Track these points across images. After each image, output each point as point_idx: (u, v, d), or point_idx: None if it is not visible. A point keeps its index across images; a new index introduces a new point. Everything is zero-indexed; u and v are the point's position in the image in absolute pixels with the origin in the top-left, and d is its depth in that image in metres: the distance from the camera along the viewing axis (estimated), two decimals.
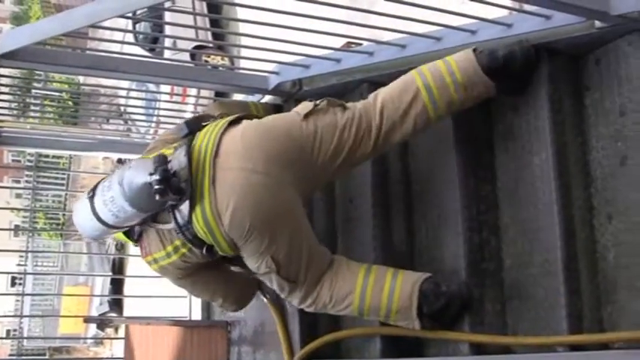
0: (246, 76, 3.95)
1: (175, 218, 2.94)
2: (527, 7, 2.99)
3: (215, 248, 3.00)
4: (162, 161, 2.83)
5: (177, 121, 4.78)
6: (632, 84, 2.99)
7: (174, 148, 3.03)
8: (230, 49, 8.24)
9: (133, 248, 3.32)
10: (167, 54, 7.44)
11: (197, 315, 5.00)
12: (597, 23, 2.97)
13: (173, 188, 2.79)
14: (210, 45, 8.15)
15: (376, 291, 3.08)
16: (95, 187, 2.95)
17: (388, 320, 3.17)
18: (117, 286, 17.05)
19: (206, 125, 3.10)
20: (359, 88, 3.65)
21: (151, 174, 2.76)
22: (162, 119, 5.12)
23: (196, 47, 7.49)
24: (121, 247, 16.38)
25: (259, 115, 3.37)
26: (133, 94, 5.52)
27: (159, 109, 5.48)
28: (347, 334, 3.50)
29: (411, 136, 3.19)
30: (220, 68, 6.50)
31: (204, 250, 3.01)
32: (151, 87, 6.09)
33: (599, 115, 3.14)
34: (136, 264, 7.02)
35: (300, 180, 3.00)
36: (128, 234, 3.20)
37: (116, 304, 16.09)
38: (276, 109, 3.88)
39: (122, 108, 6.44)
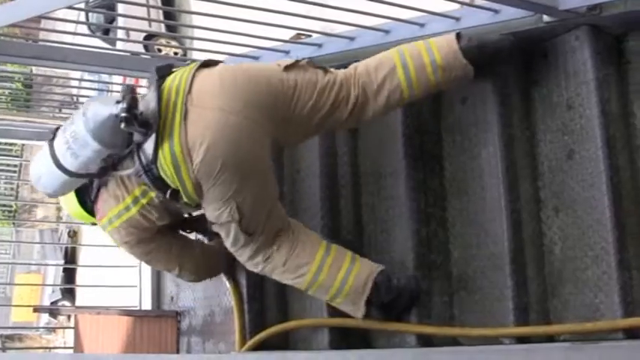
0: None
1: (139, 158, 2.82)
2: (477, 0, 2.99)
3: (180, 193, 2.88)
4: (131, 90, 2.74)
5: None
6: (578, 78, 3.03)
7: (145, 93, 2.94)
8: (182, 39, 8.17)
9: (85, 237, 3.24)
10: (120, 45, 7.41)
11: (147, 304, 4.94)
12: (545, 18, 3.00)
13: (140, 120, 2.69)
14: (162, 35, 8.06)
15: (333, 270, 3.06)
16: (55, 129, 2.86)
17: (332, 301, 3.15)
18: (69, 274, 16.88)
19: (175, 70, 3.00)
20: None
21: (117, 102, 2.67)
22: None
23: (147, 37, 7.45)
24: (73, 235, 16.22)
25: None
26: (86, 83, 5.44)
27: None
28: (295, 325, 3.50)
29: (383, 114, 3.13)
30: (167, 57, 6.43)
31: (167, 194, 2.90)
32: (104, 76, 6.00)
33: (546, 108, 3.17)
34: (88, 253, 6.98)
35: (274, 130, 2.92)
36: (82, 198, 3.15)
37: (69, 292, 15.91)
38: None
39: (74, 98, 6.35)
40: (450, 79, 3.03)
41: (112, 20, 9.56)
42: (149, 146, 2.78)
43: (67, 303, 14.91)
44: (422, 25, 3.21)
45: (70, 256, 16.90)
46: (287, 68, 2.95)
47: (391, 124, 3.36)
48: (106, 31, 10.01)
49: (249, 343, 3.50)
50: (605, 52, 3.03)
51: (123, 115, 2.63)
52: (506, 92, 3.19)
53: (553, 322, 3.04)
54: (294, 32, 3.93)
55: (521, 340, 2.98)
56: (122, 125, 2.64)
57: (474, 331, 3.09)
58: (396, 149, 3.36)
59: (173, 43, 8.43)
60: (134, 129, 2.70)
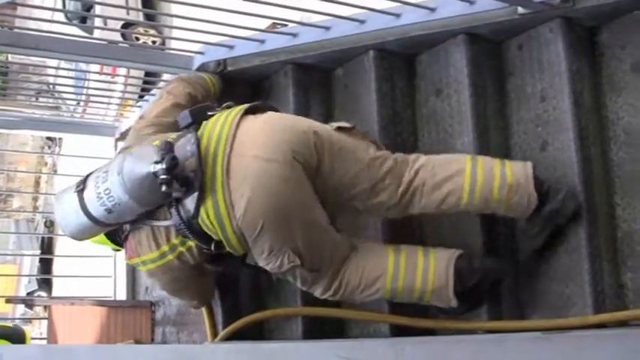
0: (170, 56, 3.91)
1: (179, 213, 2.72)
2: None
3: (222, 244, 2.79)
4: (170, 148, 2.65)
5: (106, 99, 4.74)
6: (552, 70, 3.04)
7: (175, 138, 2.83)
8: (160, 28, 8.13)
9: None
10: (97, 33, 7.38)
11: (122, 295, 4.93)
12: (520, 9, 3.01)
13: (180, 179, 2.62)
14: (140, 24, 8.03)
15: (409, 273, 2.87)
16: (85, 179, 2.77)
17: (422, 301, 2.94)
18: (46, 264, 16.79)
19: (212, 115, 2.89)
20: (283, 69, 3.63)
21: (156, 162, 2.58)
22: (91, 97, 5.04)
23: (125, 26, 7.42)
24: (50, 225, 16.14)
25: (215, 90, 3.46)
26: (62, 71, 5.40)
27: (87, 87, 5.39)
28: (269, 315, 3.49)
29: (432, 213, 2.94)
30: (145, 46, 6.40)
31: (212, 247, 2.81)
32: (82, 65, 5.97)
33: (521, 100, 3.19)
34: (65, 243, 6.93)
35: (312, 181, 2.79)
36: (111, 235, 3.04)
37: (45, 283, 15.84)
38: (226, 82, 3.71)
39: (51, 86, 6.31)
40: (511, 203, 2.82)
41: (89, 8, 9.51)
42: (190, 202, 2.70)
43: (43, 293, 14.83)
44: (397, 16, 3.21)
45: (47, 247, 16.82)
46: (339, 129, 2.88)
47: (366, 114, 3.36)
48: (83, 19, 9.95)
49: (223, 333, 3.48)
50: (578, 44, 3.06)
51: (163, 177, 2.56)
52: (480, 84, 3.21)
53: (526, 312, 3.07)
54: (269, 22, 3.91)
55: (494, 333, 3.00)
56: (163, 188, 2.57)
57: (447, 323, 3.11)
58: None
59: (151, 31, 8.41)
60: (174, 190, 2.63)
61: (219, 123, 2.78)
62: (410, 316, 3.17)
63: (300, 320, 3.43)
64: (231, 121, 2.76)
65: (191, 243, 2.85)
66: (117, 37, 7.71)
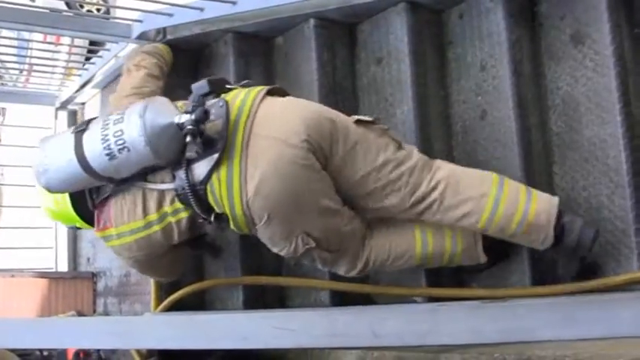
0: (109, 24, 3.83)
1: (187, 176, 2.59)
2: None
3: (225, 218, 2.68)
4: (202, 102, 2.59)
5: (49, 69, 4.66)
6: (492, 39, 3.05)
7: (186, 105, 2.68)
8: None
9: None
10: (40, 1, 7.23)
11: (63, 266, 4.88)
12: None
13: (205, 137, 2.51)
14: None
15: (437, 239, 2.82)
16: (87, 122, 2.63)
17: (452, 264, 2.91)
18: None
19: (230, 89, 2.79)
20: (223, 38, 3.60)
21: (187, 112, 2.50)
22: (34, 67, 4.94)
23: None
24: None
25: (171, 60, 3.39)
26: (3, 39, 5.28)
27: (30, 57, 5.28)
28: (210, 284, 3.48)
29: (447, 227, 2.82)
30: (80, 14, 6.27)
31: (211, 218, 2.68)
32: (24, 33, 5.85)
33: (461, 69, 3.20)
34: (4, 214, 6.81)
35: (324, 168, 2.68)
36: (79, 207, 2.87)
37: None
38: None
39: None
40: (525, 238, 2.73)
41: None
42: (202, 165, 2.58)
43: None
44: None
45: None
46: (358, 122, 2.74)
47: (307, 83, 3.34)
48: None
49: (164, 303, 3.45)
50: (518, 14, 3.06)
51: (190, 127, 2.46)
52: (421, 52, 3.20)
53: (465, 280, 3.10)
54: None
55: (434, 300, 3.03)
56: (187, 138, 2.47)
57: (386, 289, 3.14)
58: None
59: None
60: (196, 144, 2.51)
61: (240, 98, 2.68)
62: (348, 282, 3.15)
63: (241, 290, 3.42)
64: (253, 99, 2.67)
65: (184, 214, 2.73)
66: (61, 5, 7.52)
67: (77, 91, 4.68)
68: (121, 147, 2.48)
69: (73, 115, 5.00)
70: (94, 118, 2.66)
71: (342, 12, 3.32)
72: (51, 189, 2.73)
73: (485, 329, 2.25)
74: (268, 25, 3.47)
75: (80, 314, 4.37)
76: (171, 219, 2.74)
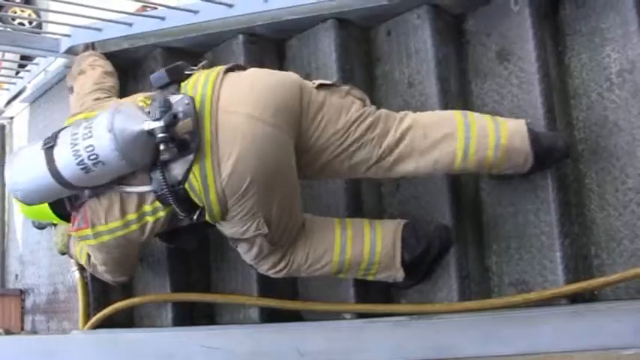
0: (37, 38, 3.80)
1: (164, 178, 2.53)
2: None
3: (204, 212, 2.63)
4: (169, 106, 2.48)
5: None
6: (419, 56, 3.09)
7: (150, 98, 2.64)
8: (37, 10, 7.88)
9: None
10: None
11: None
12: None
13: (178, 141, 2.45)
14: (12, 5, 7.78)
15: (357, 243, 2.80)
16: (55, 136, 2.53)
17: (367, 275, 2.88)
18: None
19: (189, 75, 2.72)
20: (153, 53, 3.57)
21: (156, 119, 2.41)
22: None
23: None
24: None
25: None
26: None
27: None
28: (139, 301, 3.42)
29: (423, 175, 2.87)
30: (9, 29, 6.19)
31: (195, 216, 2.65)
32: None
33: (389, 85, 3.22)
34: None
35: (298, 144, 2.67)
36: (55, 207, 2.83)
37: None
38: None
39: None
40: (506, 163, 2.73)
41: None
42: (179, 166, 2.53)
43: None
44: (266, 0, 3.18)
45: None
46: (319, 87, 2.72)
47: None
48: None
49: (92, 320, 3.40)
50: (445, 31, 3.10)
51: (161, 135, 2.40)
52: (349, 69, 3.22)
53: (394, 295, 3.11)
54: (139, 5, 3.83)
55: (363, 317, 3.02)
56: (161, 147, 2.41)
57: (315, 305, 3.13)
58: None
59: (27, 12, 8.17)
60: (169, 150, 2.45)
61: (201, 83, 2.61)
62: (278, 299, 3.16)
63: (170, 307, 3.38)
64: (214, 80, 2.60)
65: (162, 213, 2.67)
66: None
67: (5, 105, 4.62)
68: (94, 162, 2.42)
69: (1, 129, 4.92)
70: (61, 131, 2.56)
71: (270, 28, 3.32)
72: (29, 203, 2.69)
73: (410, 346, 2.28)
74: (197, 40, 3.45)
75: (7, 332, 4.29)
76: (149, 218, 2.68)
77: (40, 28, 7.00)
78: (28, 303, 4.34)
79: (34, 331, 4.26)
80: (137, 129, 2.42)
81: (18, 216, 4.63)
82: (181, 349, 2.51)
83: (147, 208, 2.65)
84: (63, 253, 3.45)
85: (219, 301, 3.33)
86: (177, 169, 2.53)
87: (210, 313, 3.41)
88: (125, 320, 3.52)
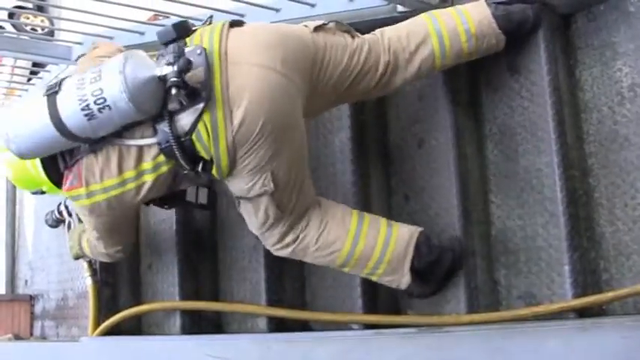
0: (49, 46, 3.80)
1: (171, 128, 2.46)
2: None
3: (210, 165, 2.56)
4: (182, 52, 2.43)
5: None
6: None
7: (157, 54, 2.56)
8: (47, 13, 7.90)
9: None
10: None
11: (0, 289, 4.82)
12: (399, 7, 3.04)
13: (189, 89, 2.39)
14: (30, 6, 7.79)
15: (370, 238, 2.76)
16: (59, 82, 2.45)
17: (372, 274, 2.84)
18: None
19: (194, 30, 2.65)
20: None
21: (169, 63, 2.35)
22: None
23: (16, 7, 7.23)
24: None
25: None
26: None
27: None
28: (147, 309, 3.45)
29: (411, 82, 2.95)
30: (23, 36, 6.20)
31: (198, 168, 2.57)
32: None
33: (398, 97, 3.22)
34: None
35: (307, 92, 2.64)
36: (48, 167, 2.73)
37: None
38: None
39: None
40: (482, 48, 2.87)
41: None
42: (187, 116, 2.46)
43: None
44: (277, 10, 3.20)
45: None
46: (316, 29, 2.69)
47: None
48: None
49: (101, 327, 3.43)
50: None
51: (174, 79, 2.33)
52: None
53: (401, 309, 3.11)
54: (151, 14, 3.84)
55: (370, 327, 3.02)
56: (173, 91, 2.34)
57: (323, 315, 3.13)
58: None
59: (39, 18, 8.20)
60: (180, 97, 2.39)
61: (206, 37, 2.55)
62: (286, 308, 3.18)
63: (178, 315, 3.39)
64: (219, 33, 2.55)
65: (165, 168, 2.59)
66: (7, 25, 7.45)
67: None
68: (101, 106, 2.35)
69: None
70: (66, 78, 2.48)
71: None
72: (23, 156, 2.59)
73: (417, 358, 2.26)
74: None
75: (17, 337, 4.31)
76: (148, 177, 2.61)
77: (52, 35, 7.05)
78: (38, 309, 4.36)
79: (43, 337, 4.28)
80: (149, 74, 2.37)
81: (29, 222, 4.66)
82: (189, 358, 2.51)
83: (146, 165, 2.58)
84: (77, 258, 3.46)
85: (227, 310, 3.35)
86: (184, 119, 2.47)
87: (218, 322, 3.42)
88: (133, 328, 3.54)
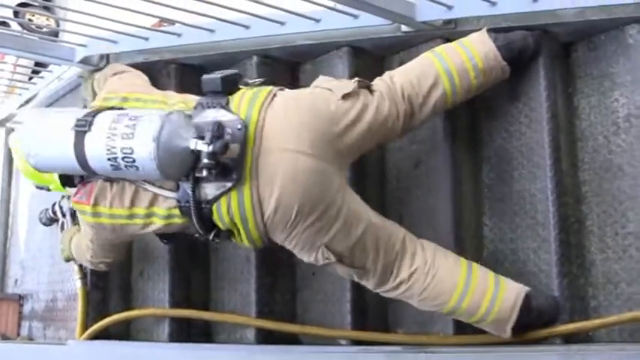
0: (53, 46, 3.79)
1: (194, 192, 2.45)
2: (339, 6, 2.98)
3: (234, 235, 2.60)
4: (221, 131, 2.42)
5: None
6: None
7: (196, 107, 2.56)
8: (53, 13, 7.90)
9: None
10: None
11: None
12: (403, 27, 3.05)
13: (221, 167, 2.37)
14: (36, 4, 7.79)
15: (477, 297, 2.67)
16: (90, 121, 2.41)
17: (476, 324, 2.76)
18: None
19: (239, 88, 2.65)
20: (167, 69, 3.58)
21: (205, 143, 2.32)
22: None
23: (21, 4, 7.22)
24: None
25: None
26: None
27: None
28: (137, 315, 3.44)
29: (427, 121, 2.91)
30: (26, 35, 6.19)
31: (211, 235, 2.58)
32: None
33: None
34: None
35: (340, 158, 2.61)
36: (64, 176, 2.75)
37: None
38: None
39: None
40: (489, 81, 2.89)
41: None
42: (212, 187, 2.46)
43: None
44: (282, 24, 3.20)
45: None
46: (345, 97, 2.62)
47: None
48: None
49: (89, 331, 3.41)
50: None
51: (206, 161, 2.31)
52: None
53: (390, 326, 3.12)
54: (155, 20, 3.85)
55: (357, 343, 3.03)
56: (204, 173, 2.33)
57: (312, 329, 3.14)
58: None
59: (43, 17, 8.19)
60: (211, 175, 2.36)
61: (247, 104, 2.53)
62: (275, 321, 3.17)
63: (167, 322, 3.38)
64: (261, 102, 2.53)
65: (178, 221, 2.59)
66: (13, 23, 7.43)
67: (17, 109, 4.64)
68: (128, 164, 2.33)
69: (10, 133, 4.94)
70: (98, 114, 2.45)
71: (285, 51, 3.34)
72: (40, 170, 2.64)
73: None
74: (212, 59, 3.45)
75: (4, 337, 4.30)
76: (159, 221, 2.61)
77: (56, 36, 7.05)
78: (27, 309, 4.34)
79: (30, 338, 4.26)
80: (183, 145, 2.35)
81: (22, 221, 4.66)
82: None
83: (159, 210, 2.59)
84: (68, 260, 3.46)
85: (217, 319, 3.34)
86: (209, 189, 2.47)
87: (207, 331, 3.41)
88: (122, 333, 3.52)
